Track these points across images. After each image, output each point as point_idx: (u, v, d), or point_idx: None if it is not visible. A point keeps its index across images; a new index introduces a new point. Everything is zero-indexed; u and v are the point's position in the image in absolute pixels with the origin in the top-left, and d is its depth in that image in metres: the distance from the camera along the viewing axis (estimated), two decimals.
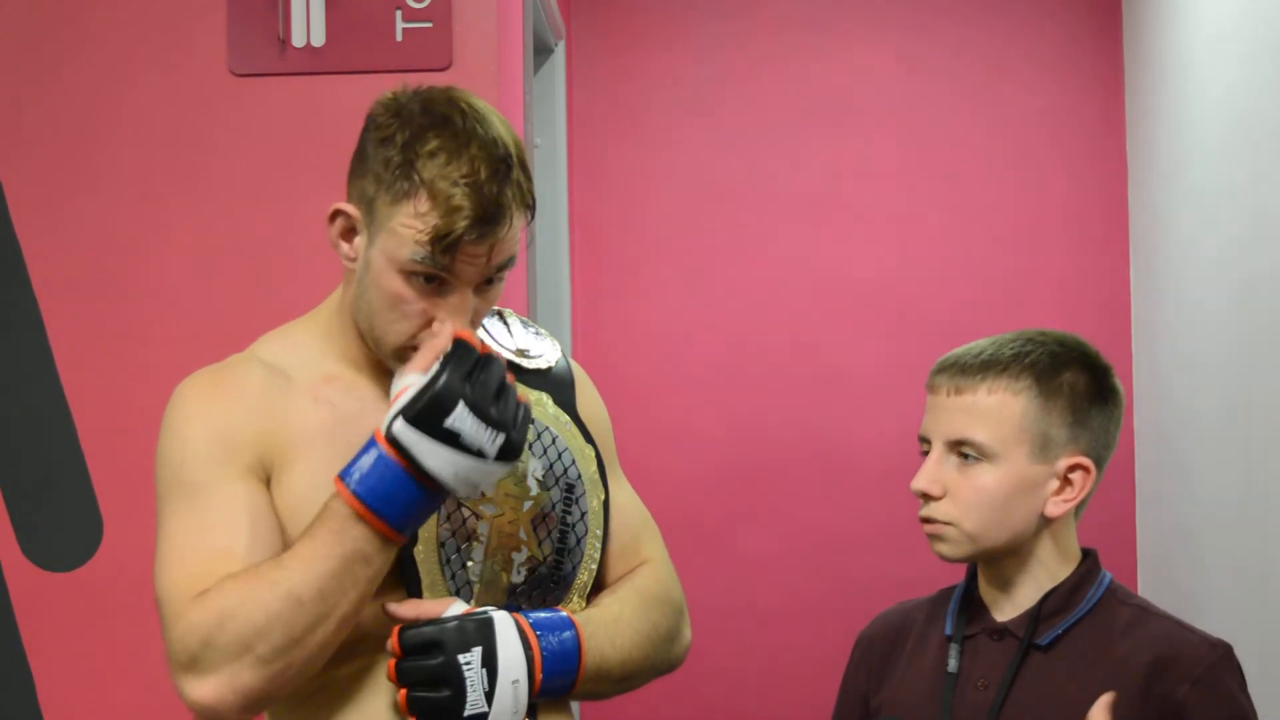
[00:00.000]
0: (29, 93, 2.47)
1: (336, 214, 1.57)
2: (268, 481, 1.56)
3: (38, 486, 2.43)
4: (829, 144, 3.88)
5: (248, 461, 1.54)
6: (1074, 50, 3.85)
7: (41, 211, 2.46)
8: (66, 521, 2.42)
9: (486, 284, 1.56)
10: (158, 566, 1.49)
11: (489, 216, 1.50)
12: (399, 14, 2.44)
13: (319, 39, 2.44)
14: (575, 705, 1.98)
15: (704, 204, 3.88)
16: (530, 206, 1.55)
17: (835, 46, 3.90)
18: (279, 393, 1.60)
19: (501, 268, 1.54)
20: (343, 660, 1.59)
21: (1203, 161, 3.14)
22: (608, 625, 1.64)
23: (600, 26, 3.91)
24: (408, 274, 1.51)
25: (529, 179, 1.54)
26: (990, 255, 3.83)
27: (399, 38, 2.44)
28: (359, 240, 1.56)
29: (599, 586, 1.72)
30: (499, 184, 1.50)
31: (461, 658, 1.50)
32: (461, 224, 1.49)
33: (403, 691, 1.52)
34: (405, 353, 1.55)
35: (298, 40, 2.44)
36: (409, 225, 1.50)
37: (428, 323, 1.53)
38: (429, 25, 2.44)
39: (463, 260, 1.50)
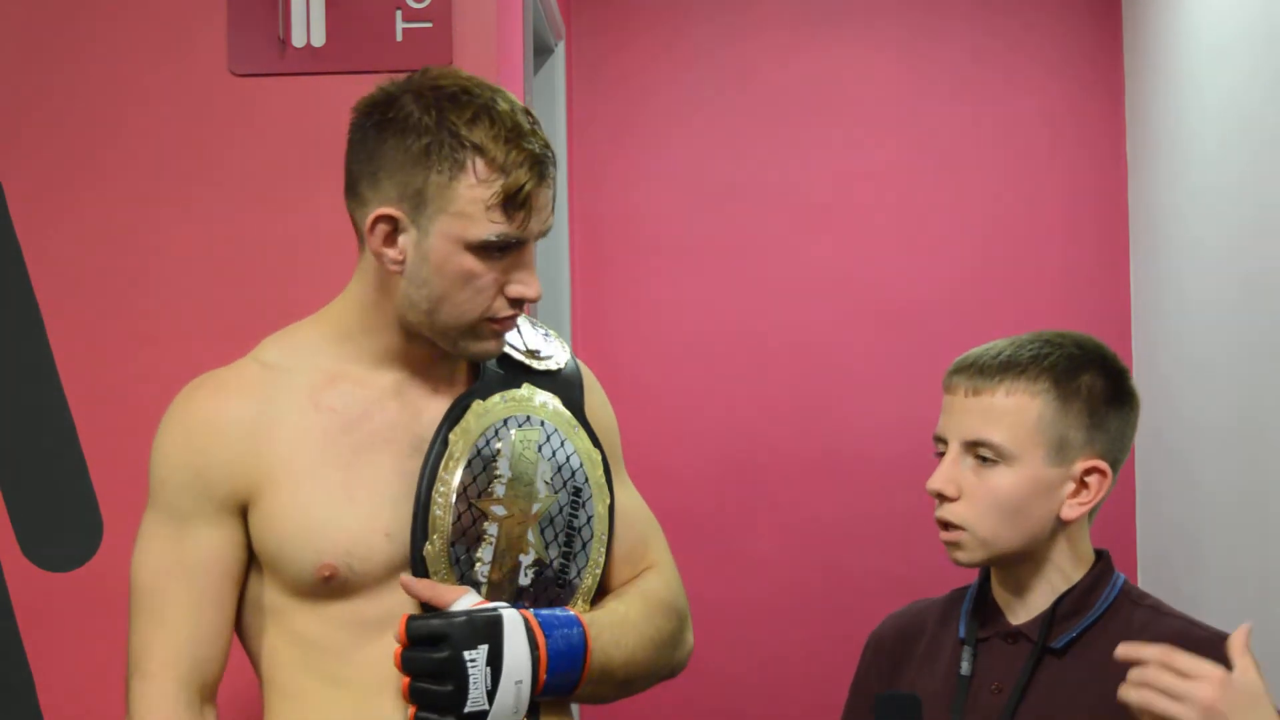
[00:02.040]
0: (29, 93, 2.46)
1: (377, 221, 1.56)
2: (245, 507, 1.61)
3: (38, 486, 2.43)
4: (829, 143, 3.88)
5: (222, 496, 1.61)
6: (1074, 50, 3.85)
7: (42, 211, 2.45)
8: (66, 521, 2.42)
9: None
10: (131, 623, 1.65)
11: (544, 159, 1.55)
12: (399, 14, 2.44)
13: (319, 39, 2.44)
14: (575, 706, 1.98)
15: (704, 203, 3.88)
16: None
17: (835, 46, 3.90)
18: (272, 406, 1.62)
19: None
20: (361, 644, 1.60)
21: (1203, 160, 3.14)
22: (612, 627, 1.64)
23: (600, 26, 3.91)
24: (482, 248, 1.53)
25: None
26: (990, 254, 3.83)
27: (399, 38, 2.44)
28: (404, 239, 1.56)
29: (603, 591, 1.72)
30: (537, 129, 1.56)
31: (467, 654, 1.51)
32: (526, 175, 1.52)
33: (406, 680, 1.53)
34: (481, 327, 1.57)
35: (298, 40, 2.44)
36: (474, 198, 1.51)
37: (500, 290, 1.57)
38: (429, 25, 2.44)
39: (533, 211, 1.54)
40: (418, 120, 1.53)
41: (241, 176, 2.45)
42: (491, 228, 1.52)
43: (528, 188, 1.52)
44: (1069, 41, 3.85)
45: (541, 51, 3.56)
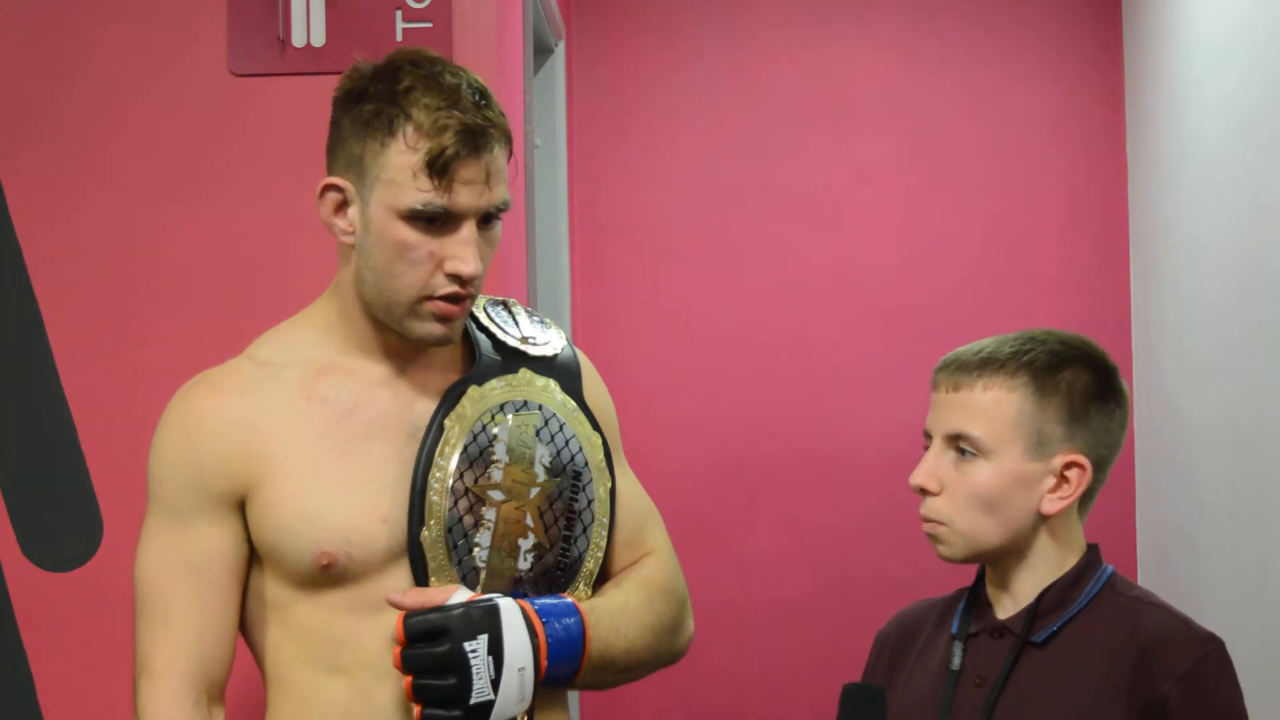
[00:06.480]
0: (29, 92, 2.47)
1: (325, 190, 1.59)
2: (243, 502, 1.62)
3: (38, 486, 2.43)
4: (828, 143, 3.88)
5: (220, 492, 1.62)
6: (1074, 50, 3.85)
7: (42, 211, 2.46)
8: (66, 521, 2.42)
9: (486, 223, 1.58)
10: (137, 620, 1.65)
11: (475, 130, 1.53)
12: (399, 14, 2.44)
13: (319, 39, 2.44)
14: (574, 700, 1.98)
15: (703, 203, 3.88)
16: (509, 138, 1.58)
17: (835, 46, 3.90)
18: (265, 401, 1.63)
19: (499, 207, 1.57)
20: (360, 629, 1.60)
21: (1203, 160, 3.14)
22: (613, 614, 1.64)
23: (600, 26, 3.91)
24: (411, 218, 1.54)
25: (502, 111, 1.58)
26: (989, 253, 3.84)
27: (399, 38, 2.44)
28: (352, 211, 1.58)
29: (604, 576, 1.72)
30: (477, 102, 1.55)
31: (468, 645, 1.51)
32: (451, 141, 1.52)
33: (408, 679, 1.52)
34: (420, 307, 1.57)
35: (298, 40, 2.44)
36: (403, 164, 1.53)
37: (438, 266, 1.56)
38: (429, 25, 2.44)
39: (461, 184, 1.53)
40: (363, 92, 1.56)
41: (241, 176, 2.45)
42: (418, 195, 1.53)
43: (449, 153, 1.51)
44: (1069, 41, 3.85)
45: (541, 51, 3.56)
